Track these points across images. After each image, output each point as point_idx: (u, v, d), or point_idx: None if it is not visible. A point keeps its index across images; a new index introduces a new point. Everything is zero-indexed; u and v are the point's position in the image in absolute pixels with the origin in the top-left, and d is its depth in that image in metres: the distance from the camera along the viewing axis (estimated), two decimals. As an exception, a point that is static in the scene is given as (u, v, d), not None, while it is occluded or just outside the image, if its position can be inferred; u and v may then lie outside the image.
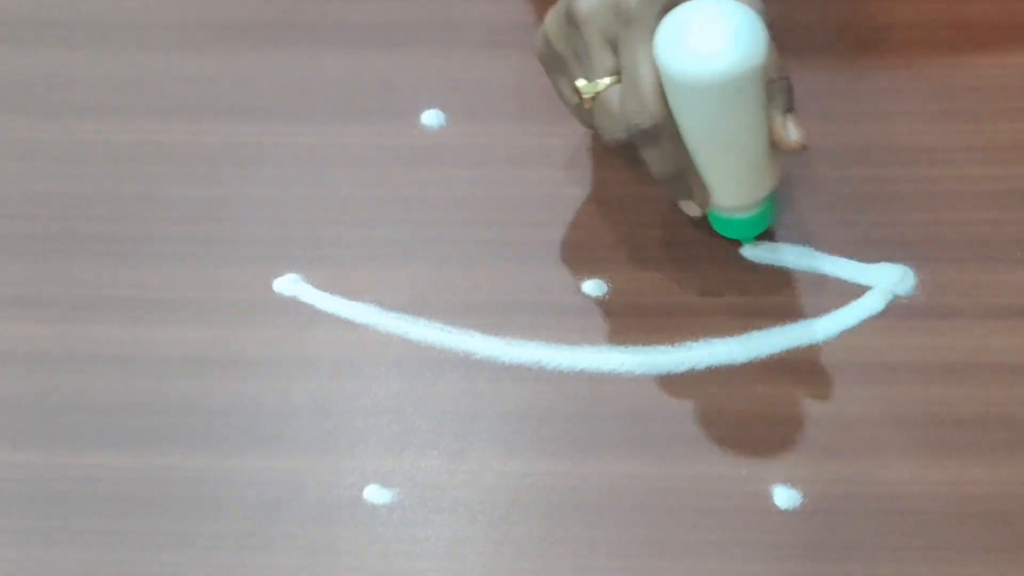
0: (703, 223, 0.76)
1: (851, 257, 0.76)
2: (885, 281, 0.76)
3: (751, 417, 0.72)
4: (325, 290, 0.77)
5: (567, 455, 0.72)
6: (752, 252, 0.77)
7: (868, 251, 0.76)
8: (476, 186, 0.80)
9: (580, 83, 0.73)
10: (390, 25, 0.87)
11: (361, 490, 0.71)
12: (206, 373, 0.75)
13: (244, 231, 0.80)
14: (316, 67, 0.85)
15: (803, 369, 0.73)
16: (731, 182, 0.74)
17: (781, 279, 0.76)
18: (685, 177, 0.73)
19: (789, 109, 0.72)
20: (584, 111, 0.74)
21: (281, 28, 0.87)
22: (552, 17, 0.74)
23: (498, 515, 0.70)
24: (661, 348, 0.74)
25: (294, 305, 0.77)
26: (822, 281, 0.76)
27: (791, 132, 0.72)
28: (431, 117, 0.83)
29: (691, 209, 0.75)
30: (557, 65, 0.75)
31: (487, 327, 0.75)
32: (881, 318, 0.75)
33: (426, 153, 0.82)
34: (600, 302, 0.76)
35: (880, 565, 0.67)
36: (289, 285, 0.77)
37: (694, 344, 0.74)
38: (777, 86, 0.71)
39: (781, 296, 0.75)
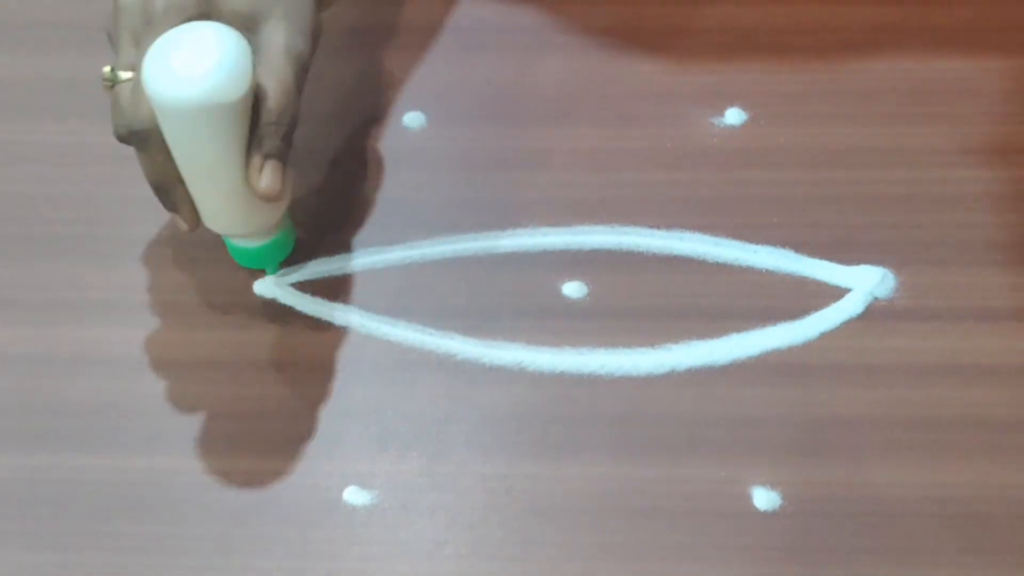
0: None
1: (831, 259, 0.76)
2: (865, 283, 0.75)
3: (731, 419, 0.72)
4: (305, 292, 0.77)
5: (547, 457, 0.71)
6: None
7: (847, 254, 0.76)
8: (457, 188, 0.80)
9: (105, 69, 0.72)
10: (373, 27, 0.87)
11: (341, 492, 0.71)
12: (185, 375, 0.75)
13: None
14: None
15: (783, 371, 0.73)
16: (213, 209, 0.74)
17: (761, 281, 0.76)
18: (172, 191, 0.73)
19: (274, 155, 0.71)
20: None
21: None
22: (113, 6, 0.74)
23: (477, 517, 0.70)
24: (641, 350, 0.74)
25: (274, 307, 0.77)
26: (802, 283, 0.75)
27: (263, 178, 0.71)
28: (413, 119, 0.83)
29: (178, 224, 0.75)
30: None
31: (468, 329, 0.75)
32: (861, 320, 0.74)
33: (408, 154, 0.82)
34: (580, 304, 0.76)
35: (858, 567, 0.67)
36: (269, 287, 0.77)
37: (674, 346, 0.74)
38: (270, 129, 0.71)
39: (761, 298, 0.75)
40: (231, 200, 0.72)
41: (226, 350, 0.75)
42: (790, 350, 0.73)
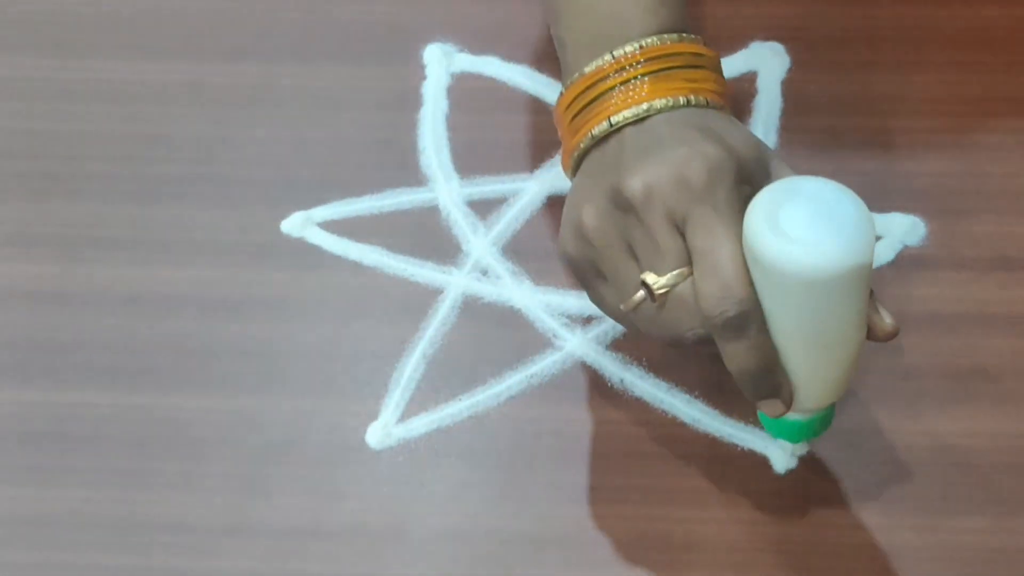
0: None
1: None
2: (895, 231, 0.78)
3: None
4: (332, 232, 0.80)
5: (572, 401, 0.74)
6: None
7: (878, 201, 0.77)
8: (483, 130, 0.83)
9: (649, 277, 0.66)
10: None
11: (365, 433, 0.73)
12: (211, 314, 0.78)
13: (250, 172, 0.83)
14: (323, 7, 0.87)
15: None
16: (820, 381, 0.68)
17: None
18: (773, 372, 0.67)
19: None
20: (629, 314, 0.69)
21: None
22: (590, 208, 0.68)
23: (504, 459, 0.72)
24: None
25: (301, 246, 0.80)
26: None
27: (887, 319, 0.67)
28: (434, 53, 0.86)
29: (773, 408, 0.68)
30: (592, 268, 0.70)
31: (494, 271, 0.78)
32: (890, 268, 0.77)
33: (433, 97, 0.84)
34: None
35: (873, 517, 0.70)
36: (297, 226, 0.80)
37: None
38: None
39: None
40: (848, 364, 0.68)
41: (253, 289, 0.78)
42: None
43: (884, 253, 0.76)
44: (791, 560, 0.69)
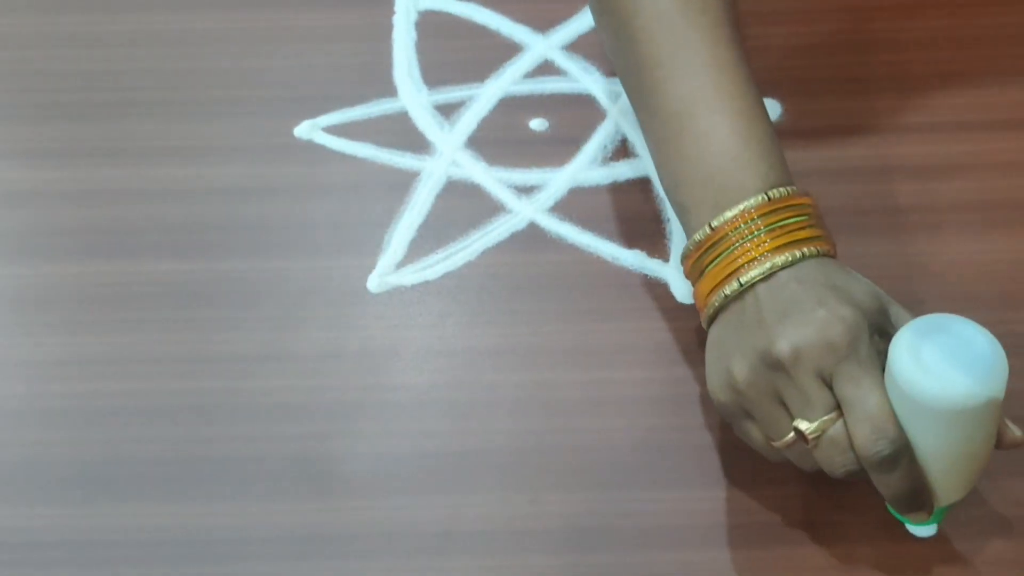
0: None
1: None
2: None
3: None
4: (333, 134, 0.92)
5: (527, 251, 0.87)
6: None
7: None
8: (444, 52, 0.96)
9: (803, 425, 0.70)
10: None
11: (366, 281, 0.86)
12: (243, 198, 0.90)
13: (269, 92, 0.95)
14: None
15: None
16: (954, 487, 0.71)
17: None
18: (921, 492, 0.71)
19: None
20: (775, 450, 0.73)
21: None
22: (741, 364, 0.71)
23: (472, 295, 0.86)
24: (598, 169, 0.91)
25: (310, 146, 0.92)
26: None
27: (1013, 429, 0.71)
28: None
29: (918, 518, 0.73)
30: (742, 411, 0.73)
31: (476, 158, 0.91)
32: None
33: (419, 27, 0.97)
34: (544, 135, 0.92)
35: None
36: (306, 131, 0.92)
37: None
38: None
39: None
40: (976, 472, 0.71)
41: (275, 179, 0.90)
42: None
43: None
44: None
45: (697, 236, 0.74)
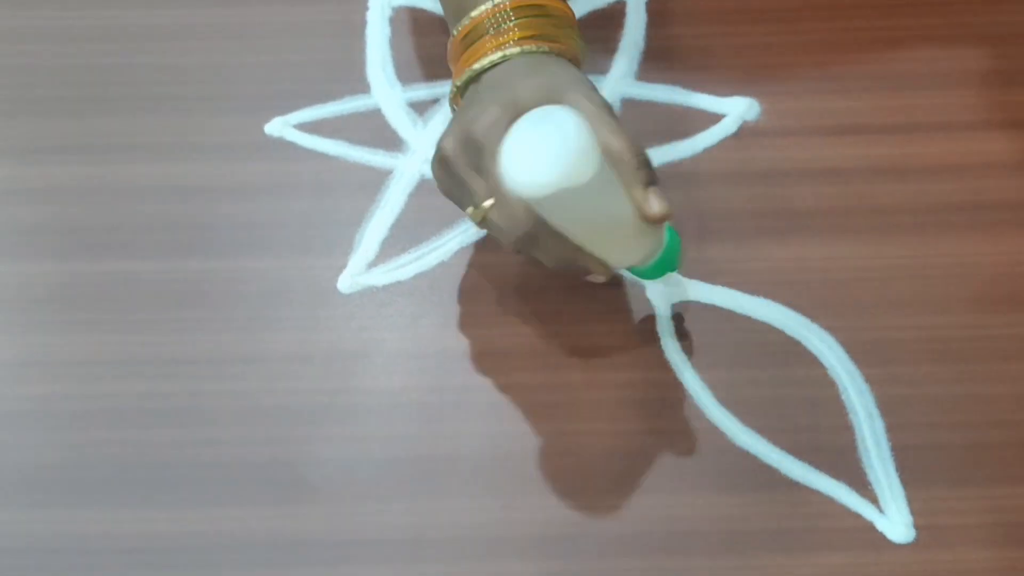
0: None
1: (710, 93, 0.92)
2: (737, 110, 0.90)
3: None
4: (304, 131, 0.91)
5: (492, 250, 0.85)
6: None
7: (723, 88, 0.91)
8: (417, 49, 0.94)
9: (469, 211, 0.78)
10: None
11: (336, 281, 0.86)
12: (214, 196, 0.89)
13: (240, 88, 0.93)
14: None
15: (679, 177, 0.88)
16: (621, 251, 0.78)
17: (659, 112, 0.91)
18: (577, 261, 0.77)
19: (651, 183, 0.76)
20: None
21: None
22: (434, 157, 0.80)
23: (445, 296, 0.85)
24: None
25: (281, 144, 0.91)
26: (688, 112, 0.91)
27: (653, 205, 0.75)
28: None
29: (596, 279, 0.80)
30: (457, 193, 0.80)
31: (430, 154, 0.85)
32: (735, 138, 0.90)
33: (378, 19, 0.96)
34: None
35: None
36: (277, 128, 0.91)
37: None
38: (633, 164, 0.75)
39: (658, 124, 0.90)
40: (633, 235, 0.76)
41: (246, 176, 0.89)
42: (682, 162, 0.89)
43: (729, 127, 0.89)
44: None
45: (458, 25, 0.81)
